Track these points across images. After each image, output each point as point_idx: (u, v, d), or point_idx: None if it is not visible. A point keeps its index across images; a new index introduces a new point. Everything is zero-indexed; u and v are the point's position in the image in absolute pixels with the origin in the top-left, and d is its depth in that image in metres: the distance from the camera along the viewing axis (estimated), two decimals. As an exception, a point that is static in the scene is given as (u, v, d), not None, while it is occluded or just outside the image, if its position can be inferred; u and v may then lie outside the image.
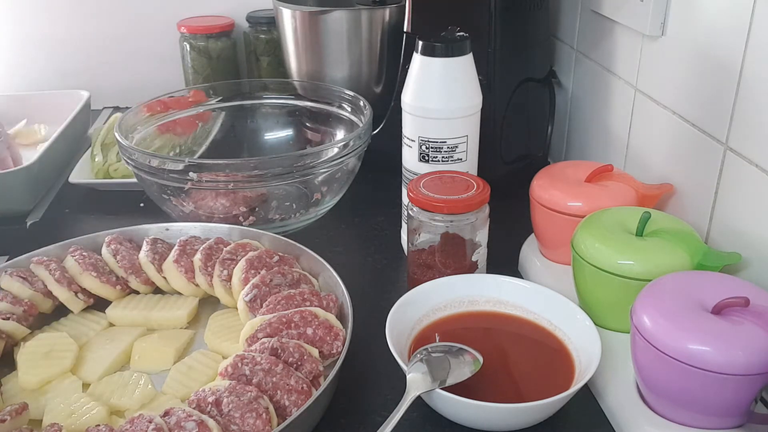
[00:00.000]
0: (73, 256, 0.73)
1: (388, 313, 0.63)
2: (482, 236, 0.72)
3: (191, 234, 0.78)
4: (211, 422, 0.52)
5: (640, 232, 0.64)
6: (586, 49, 0.96)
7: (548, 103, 1.00)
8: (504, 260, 0.80)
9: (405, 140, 0.78)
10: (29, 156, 0.96)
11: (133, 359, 0.66)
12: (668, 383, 0.53)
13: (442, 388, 0.55)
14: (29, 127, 1.17)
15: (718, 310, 0.52)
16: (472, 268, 0.72)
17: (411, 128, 0.76)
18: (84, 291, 0.71)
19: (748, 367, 0.49)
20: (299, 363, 0.59)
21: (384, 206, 0.93)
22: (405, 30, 0.96)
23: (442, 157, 0.76)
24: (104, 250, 0.75)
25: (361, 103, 0.93)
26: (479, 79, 0.76)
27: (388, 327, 0.61)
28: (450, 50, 0.72)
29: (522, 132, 0.97)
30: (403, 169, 0.80)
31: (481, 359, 0.59)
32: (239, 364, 0.57)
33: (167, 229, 0.79)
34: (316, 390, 0.56)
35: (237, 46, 1.30)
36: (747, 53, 0.62)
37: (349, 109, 0.96)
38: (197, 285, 0.73)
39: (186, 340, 0.68)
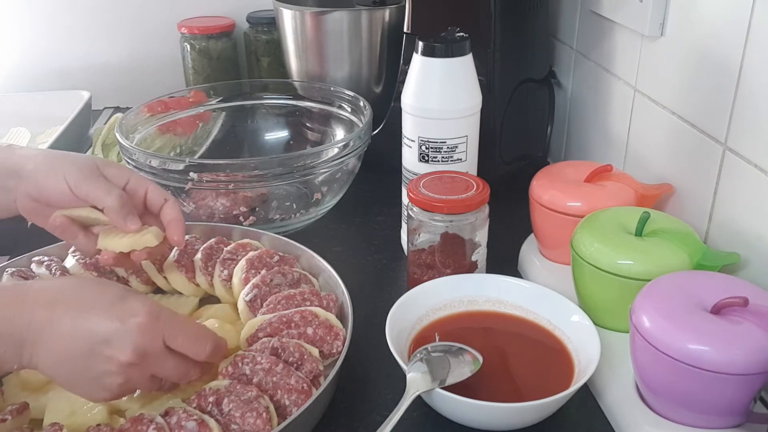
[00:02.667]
0: (73, 256, 0.73)
1: (388, 313, 0.63)
2: (482, 236, 0.72)
3: (192, 234, 0.78)
4: (211, 422, 0.52)
5: (639, 232, 0.64)
6: (586, 49, 0.96)
7: (548, 103, 1.00)
8: (504, 260, 0.80)
9: (405, 140, 0.78)
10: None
11: (134, 359, 0.66)
12: (667, 383, 0.53)
13: (441, 388, 0.55)
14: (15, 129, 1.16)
15: (717, 310, 0.52)
16: (471, 268, 0.73)
17: (411, 128, 0.76)
18: (85, 291, 0.71)
19: (747, 366, 0.49)
20: (299, 363, 0.59)
21: (384, 206, 0.93)
22: (405, 30, 0.96)
23: (442, 157, 0.76)
24: (105, 250, 0.75)
25: (361, 103, 0.93)
26: (479, 79, 0.76)
27: (388, 327, 0.61)
28: (450, 50, 0.73)
29: (522, 132, 0.97)
30: (403, 169, 0.80)
31: (480, 359, 0.60)
32: (240, 364, 0.57)
33: (168, 229, 0.79)
34: (317, 389, 0.56)
35: (237, 46, 1.30)
36: (746, 53, 0.62)
37: (349, 109, 0.96)
38: (198, 285, 0.73)
39: (186, 339, 0.68)
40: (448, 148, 0.75)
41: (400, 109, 0.78)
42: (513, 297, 0.68)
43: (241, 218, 0.84)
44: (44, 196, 0.65)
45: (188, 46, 1.25)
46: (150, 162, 0.80)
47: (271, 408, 0.55)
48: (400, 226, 0.84)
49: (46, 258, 0.73)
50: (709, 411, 0.53)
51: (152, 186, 0.68)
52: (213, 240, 0.75)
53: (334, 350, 0.62)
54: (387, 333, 0.60)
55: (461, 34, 0.74)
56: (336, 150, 0.82)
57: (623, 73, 0.85)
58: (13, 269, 0.71)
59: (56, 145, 1.01)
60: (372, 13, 0.99)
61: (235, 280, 0.71)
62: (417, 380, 0.56)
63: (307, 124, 1.05)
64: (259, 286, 0.68)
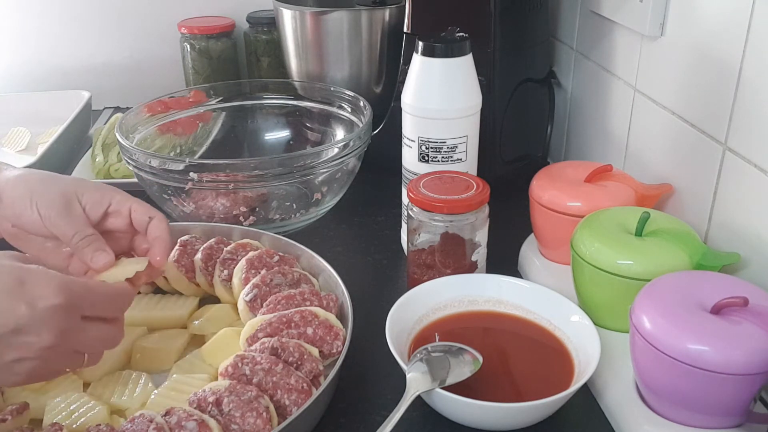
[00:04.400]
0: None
1: (388, 313, 0.63)
2: (482, 236, 0.72)
3: (192, 234, 0.78)
4: (211, 422, 0.52)
5: (639, 232, 0.64)
6: (586, 49, 0.96)
7: (548, 103, 1.00)
8: (504, 260, 0.80)
9: (405, 140, 0.78)
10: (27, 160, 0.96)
11: (134, 359, 0.66)
12: (667, 383, 0.53)
13: (441, 388, 0.55)
14: (15, 129, 1.16)
15: (717, 310, 0.52)
16: (471, 268, 0.73)
17: (411, 128, 0.76)
18: (85, 291, 0.71)
19: (746, 366, 0.49)
20: (299, 362, 0.59)
21: (384, 206, 0.93)
22: (405, 30, 0.96)
23: (442, 157, 0.76)
24: (105, 250, 0.75)
25: (361, 103, 0.93)
26: (479, 79, 0.76)
27: (388, 327, 0.61)
28: (450, 50, 0.73)
29: (521, 132, 0.97)
30: (403, 169, 0.80)
31: (480, 359, 0.60)
32: (239, 364, 0.57)
33: (168, 229, 0.79)
34: (317, 389, 0.56)
35: (237, 46, 1.30)
36: (746, 53, 0.62)
37: (349, 109, 0.96)
38: (198, 285, 0.73)
39: (186, 340, 0.68)
40: (448, 148, 0.75)
41: (400, 109, 0.78)
42: (513, 297, 0.68)
43: (241, 218, 0.84)
44: (20, 225, 0.63)
45: (188, 46, 1.25)
46: (150, 162, 0.80)
47: (271, 408, 0.55)
48: (400, 226, 0.84)
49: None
50: (708, 411, 0.53)
51: (136, 205, 0.65)
52: (213, 240, 0.75)
53: (334, 350, 0.62)
54: (387, 333, 0.60)
55: (461, 34, 0.74)
56: (336, 150, 0.82)
57: (623, 73, 0.85)
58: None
59: (56, 145, 1.02)
60: (372, 13, 0.99)
61: (235, 280, 0.71)
62: (417, 380, 0.56)
63: (307, 124, 1.05)
64: (259, 286, 0.68)
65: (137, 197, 0.95)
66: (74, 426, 0.56)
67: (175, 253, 0.73)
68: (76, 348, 0.52)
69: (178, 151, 0.99)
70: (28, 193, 0.61)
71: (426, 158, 0.76)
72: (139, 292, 0.74)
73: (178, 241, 0.75)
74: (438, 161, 0.76)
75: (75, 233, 0.61)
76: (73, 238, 0.61)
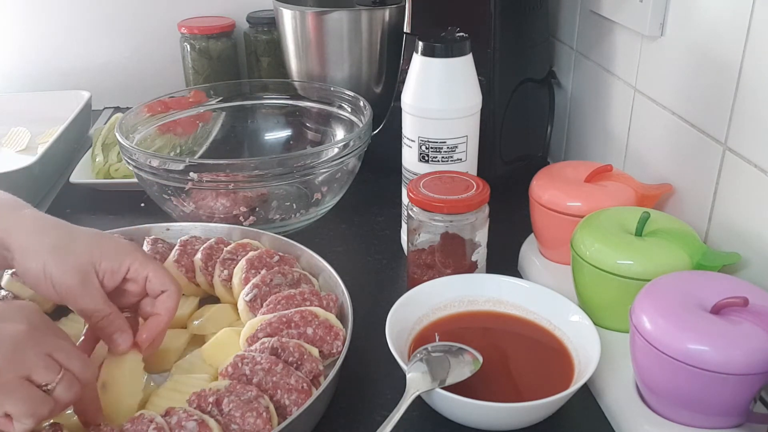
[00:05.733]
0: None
1: (388, 313, 0.63)
2: (482, 236, 0.72)
3: (192, 234, 0.78)
4: (211, 422, 0.52)
5: (639, 232, 0.64)
6: (586, 49, 0.96)
7: (548, 103, 1.00)
8: (504, 260, 0.80)
9: (405, 140, 0.78)
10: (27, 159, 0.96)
11: (134, 359, 0.66)
12: (667, 383, 0.53)
13: (441, 388, 0.55)
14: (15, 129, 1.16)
15: (717, 310, 0.52)
16: (471, 268, 0.73)
17: (411, 128, 0.76)
18: (85, 291, 0.71)
19: (746, 366, 0.49)
20: (299, 362, 0.59)
21: (384, 206, 0.93)
22: (405, 30, 0.96)
23: (442, 157, 0.76)
24: (105, 250, 0.74)
25: (361, 103, 0.93)
26: (479, 79, 0.76)
27: (388, 327, 0.61)
28: (450, 50, 0.73)
29: (521, 132, 0.97)
30: (403, 169, 0.80)
31: (480, 359, 0.60)
32: (239, 364, 0.57)
33: (168, 229, 0.79)
34: (317, 389, 0.56)
35: (237, 46, 1.30)
36: (746, 53, 0.62)
37: (349, 109, 0.96)
38: (198, 285, 0.73)
39: (186, 340, 0.68)
40: (448, 148, 0.75)
41: (400, 109, 0.78)
42: (513, 297, 0.68)
43: (241, 218, 0.84)
44: (39, 293, 0.61)
45: (188, 46, 1.25)
46: (150, 162, 0.80)
47: (271, 408, 0.55)
48: (400, 226, 0.84)
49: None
50: (708, 411, 0.53)
51: (152, 273, 0.61)
52: (213, 240, 0.75)
53: (334, 350, 0.62)
54: (387, 333, 0.60)
55: (461, 34, 0.74)
56: (336, 150, 0.82)
57: (623, 73, 0.85)
58: (13, 270, 0.71)
59: (56, 145, 1.02)
60: (372, 13, 0.99)
61: (235, 280, 0.71)
62: (417, 380, 0.56)
63: (307, 124, 1.05)
64: (259, 286, 0.68)
65: (138, 197, 0.96)
66: (74, 426, 0.56)
67: (175, 252, 0.73)
68: (50, 348, 0.50)
69: (178, 151, 0.99)
70: (41, 265, 0.58)
71: (426, 158, 0.76)
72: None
73: (179, 240, 0.75)
74: (438, 161, 0.76)
75: (94, 312, 0.59)
76: (92, 316, 0.59)
